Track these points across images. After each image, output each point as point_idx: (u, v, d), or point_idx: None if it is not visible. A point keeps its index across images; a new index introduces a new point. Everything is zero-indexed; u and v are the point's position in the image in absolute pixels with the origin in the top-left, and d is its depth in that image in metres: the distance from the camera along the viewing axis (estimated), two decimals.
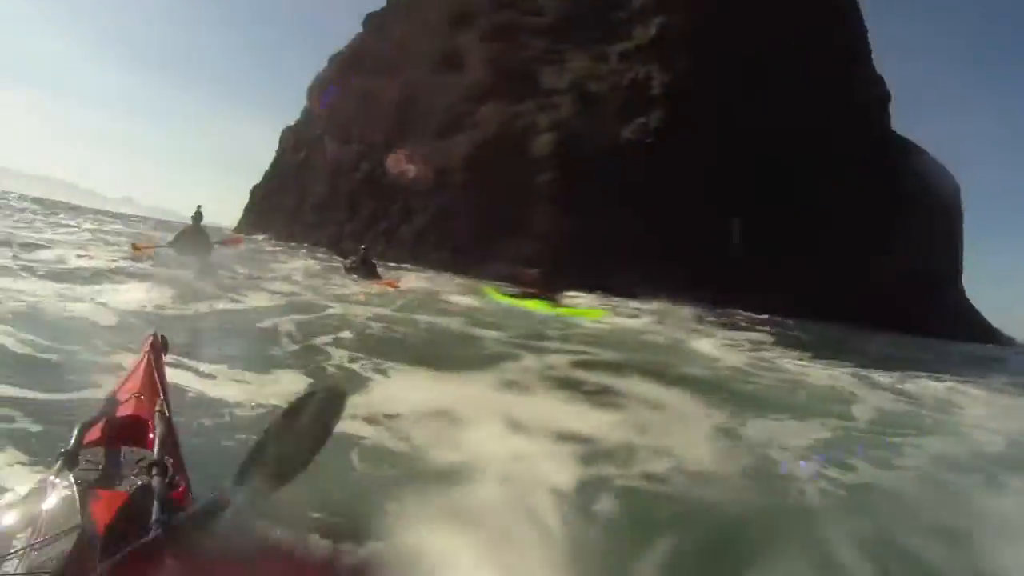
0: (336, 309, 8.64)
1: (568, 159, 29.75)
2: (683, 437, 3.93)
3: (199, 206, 11.53)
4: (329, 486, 2.68)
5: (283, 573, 1.51)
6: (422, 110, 35.91)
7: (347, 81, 42.43)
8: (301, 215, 40.43)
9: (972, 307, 41.43)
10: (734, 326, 15.47)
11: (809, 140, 31.16)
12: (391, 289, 12.39)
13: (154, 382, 2.05)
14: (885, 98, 40.10)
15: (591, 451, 3.32)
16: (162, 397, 1.94)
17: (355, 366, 5.01)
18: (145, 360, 2.18)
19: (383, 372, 4.89)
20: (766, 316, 19.51)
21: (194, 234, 11.49)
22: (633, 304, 16.10)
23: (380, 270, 14.97)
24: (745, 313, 20.57)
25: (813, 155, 31.15)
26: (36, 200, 41.83)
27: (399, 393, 4.33)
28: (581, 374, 5.73)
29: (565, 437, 3.47)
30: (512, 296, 12.83)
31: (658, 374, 6.28)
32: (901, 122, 41.18)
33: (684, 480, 3.14)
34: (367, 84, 39.91)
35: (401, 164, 33.78)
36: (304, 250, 26.59)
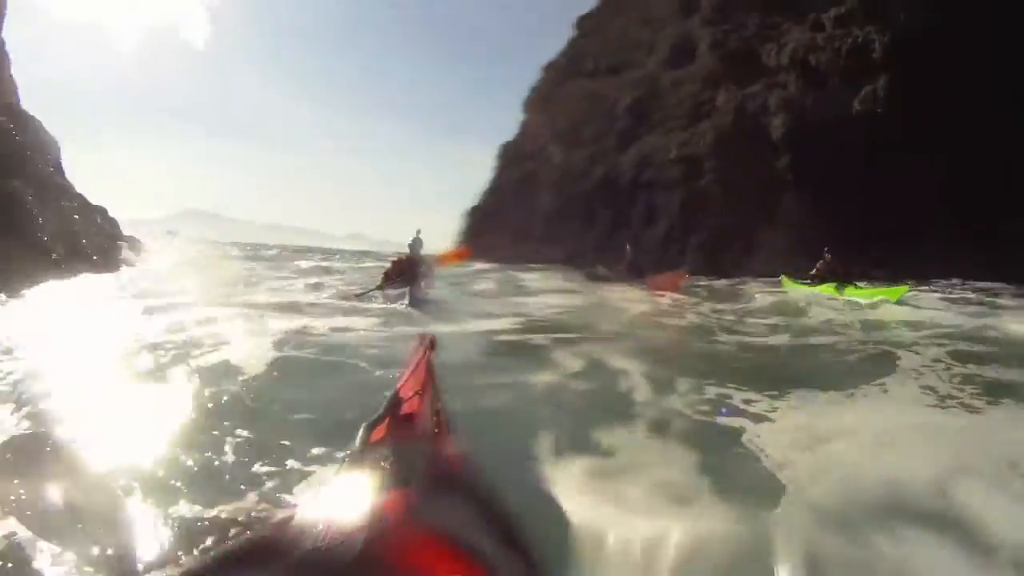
0: (618, 326, 7.65)
1: (802, 140, 26.62)
2: None
3: (417, 231, 10.26)
4: None
5: None
6: (662, 103, 34.45)
7: (567, 86, 41.92)
8: (530, 230, 38.37)
9: None
10: None
11: None
12: (678, 291, 11.04)
13: (432, 381, 2.03)
14: None
15: None
16: (441, 396, 1.93)
17: (708, 401, 3.83)
18: (424, 360, 2.17)
19: (757, 405, 3.70)
20: None
21: (408, 263, 9.90)
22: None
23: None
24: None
25: None
26: (281, 246, 46.19)
27: (816, 427, 3.21)
28: None
29: None
30: (809, 284, 12.29)
31: None
32: None
33: None
34: (591, 86, 39.07)
35: None
36: (540, 268, 25.09)
